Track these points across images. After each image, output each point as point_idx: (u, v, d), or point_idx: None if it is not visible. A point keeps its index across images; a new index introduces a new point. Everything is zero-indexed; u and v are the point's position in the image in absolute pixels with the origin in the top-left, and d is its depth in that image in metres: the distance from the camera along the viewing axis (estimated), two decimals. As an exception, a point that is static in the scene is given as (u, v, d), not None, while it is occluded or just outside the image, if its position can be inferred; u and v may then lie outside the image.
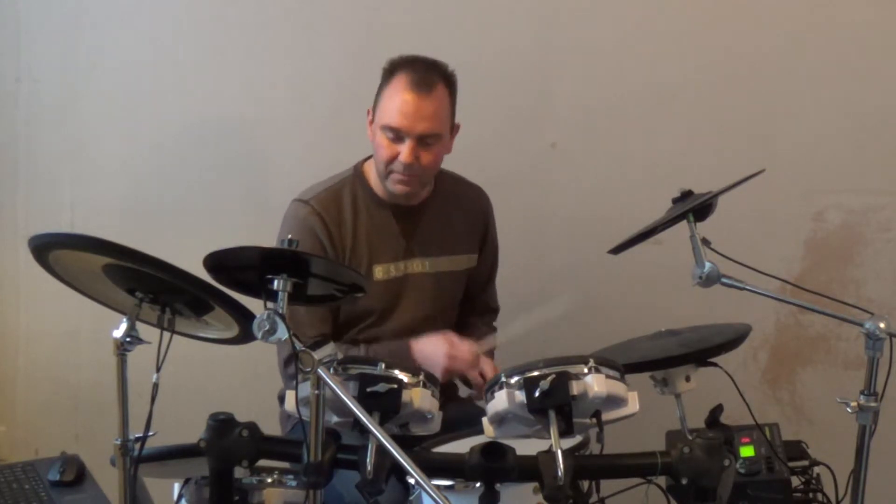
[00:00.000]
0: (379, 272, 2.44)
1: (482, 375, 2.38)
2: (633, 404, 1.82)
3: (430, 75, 2.34)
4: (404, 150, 2.31)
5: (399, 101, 2.31)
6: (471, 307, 2.66)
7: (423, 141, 2.32)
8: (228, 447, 1.76)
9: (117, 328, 1.77)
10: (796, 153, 2.99)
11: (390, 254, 2.46)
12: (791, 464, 2.33)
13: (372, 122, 2.40)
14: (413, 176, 2.36)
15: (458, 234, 2.56)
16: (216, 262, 1.72)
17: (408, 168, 2.33)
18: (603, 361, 1.78)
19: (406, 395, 1.77)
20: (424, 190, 2.49)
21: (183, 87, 2.99)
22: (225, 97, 3.01)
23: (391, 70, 2.37)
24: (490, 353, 2.56)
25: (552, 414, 1.71)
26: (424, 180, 2.42)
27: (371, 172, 2.47)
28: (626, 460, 1.82)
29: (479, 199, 2.64)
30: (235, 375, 2.96)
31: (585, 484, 1.89)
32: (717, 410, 2.25)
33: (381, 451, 1.68)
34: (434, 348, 2.33)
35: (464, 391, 2.52)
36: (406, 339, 2.38)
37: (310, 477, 1.70)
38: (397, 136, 2.32)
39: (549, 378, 1.71)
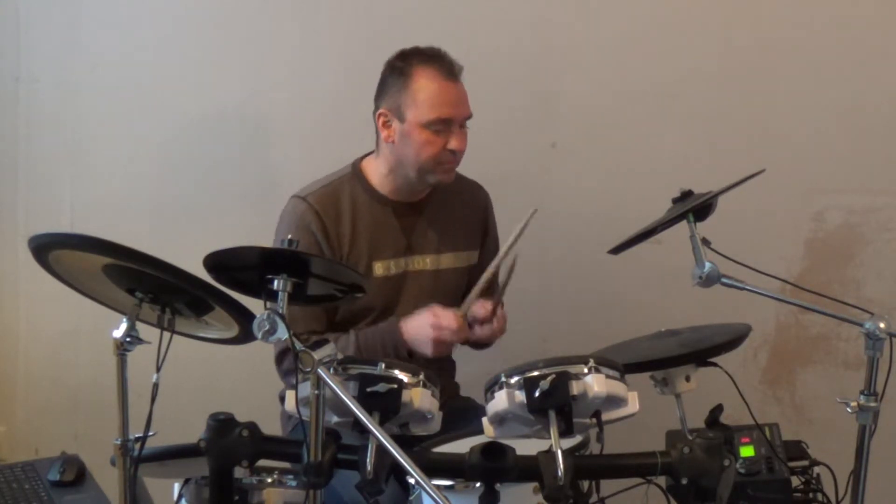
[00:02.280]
0: (379, 268, 2.45)
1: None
2: (633, 404, 1.82)
3: (450, 61, 2.38)
4: (455, 137, 2.36)
5: (441, 93, 2.34)
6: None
7: (462, 124, 2.38)
8: (228, 447, 1.76)
9: (117, 328, 1.77)
10: (796, 153, 2.99)
11: (391, 250, 2.46)
12: (791, 464, 2.33)
13: (389, 123, 2.38)
14: (457, 161, 2.41)
15: (459, 231, 2.56)
16: (216, 262, 1.72)
17: (459, 154, 2.38)
18: (603, 361, 1.78)
19: (406, 395, 1.77)
20: (426, 188, 2.50)
21: (183, 86, 3.00)
22: (225, 97, 3.01)
23: (405, 66, 2.37)
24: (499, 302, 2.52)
25: (552, 414, 1.71)
26: (459, 163, 2.44)
27: (371, 170, 2.48)
28: (626, 460, 1.82)
29: (479, 195, 2.65)
30: (235, 375, 2.96)
31: (585, 484, 1.89)
32: (717, 410, 2.25)
33: (381, 451, 1.68)
34: (419, 321, 2.34)
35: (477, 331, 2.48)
36: (395, 318, 2.39)
37: (310, 477, 1.69)
38: (446, 126, 2.34)
39: (549, 378, 1.71)
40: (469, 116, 2.39)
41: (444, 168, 2.39)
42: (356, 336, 2.39)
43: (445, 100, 2.34)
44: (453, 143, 2.35)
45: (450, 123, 2.35)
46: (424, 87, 2.34)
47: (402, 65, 2.38)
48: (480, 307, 2.40)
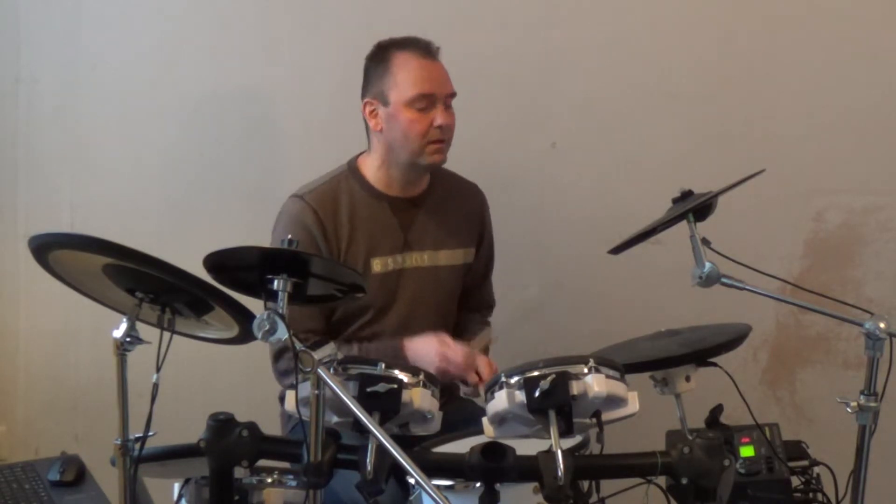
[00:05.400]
0: (377, 265, 2.45)
1: (478, 374, 2.38)
2: (633, 404, 1.82)
3: (430, 46, 2.41)
4: (439, 112, 2.36)
5: (421, 70, 2.37)
6: (467, 303, 2.66)
7: (447, 102, 2.39)
8: (228, 447, 1.76)
9: (117, 328, 1.77)
10: (796, 153, 2.99)
11: (388, 247, 2.47)
12: (791, 464, 2.33)
13: (375, 111, 2.41)
14: (446, 141, 2.40)
15: (456, 229, 2.57)
16: (216, 262, 1.72)
17: (446, 130, 2.38)
18: (603, 361, 1.78)
19: (406, 395, 1.77)
20: (422, 181, 2.52)
21: (183, 86, 3.00)
22: (225, 96, 3.01)
23: (383, 54, 2.42)
24: (485, 350, 2.57)
25: (552, 414, 1.71)
26: (450, 145, 2.44)
27: (366, 166, 2.49)
28: (626, 460, 1.82)
29: (476, 196, 2.65)
30: (235, 375, 2.96)
31: (585, 484, 1.89)
32: (717, 410, 2.26)
33: (381, 451, 1.68)
34: (427, 348, 2.34)
35: (462, 390, 2.52)
36: (400, 337, 2.39)
37: (310, 477, 1.69)
38: (430, 102, 2.36)
39: (549, 378, 1.71)
40: (452, 94, 2.40)
41: (433, 147, 2.39)
42: (359, 350, 2.40)
43: (425, 76, 2.37)
44: (439, 119, 2.36)
45: (433, 99, 2.36)
46: (404, 67, 2.37)
47: (381, 53, 2.43)
48: (487, 369, 2.39)
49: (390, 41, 2.43)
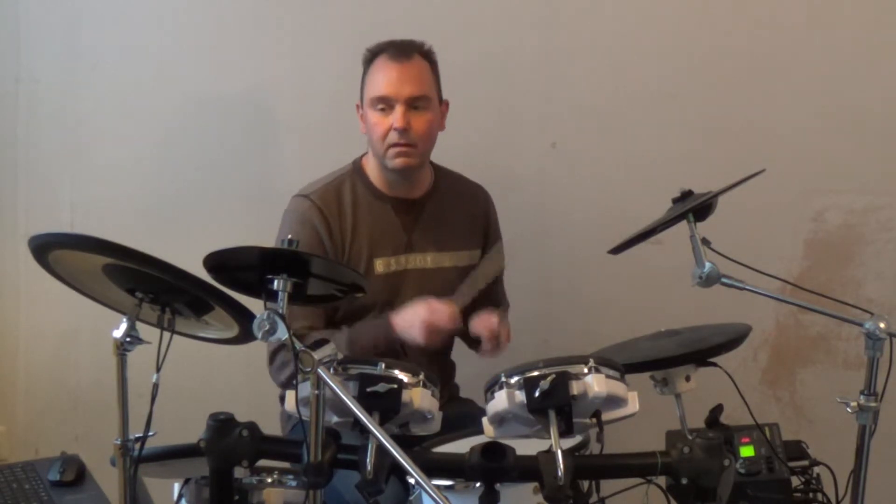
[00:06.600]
0: (379, 266, 2.46)
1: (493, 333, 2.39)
2: (633, 404, 1.82)
3: (406, 48, 2.43)
4: (396, 115, 2.37)
5: (382, 73, 2.40)
6: (480, 307, 2.64)
7: (411, 105, 2.38)
8: (228, 447, 1.76)
9: (117, 328, 1.78)
10: (796, 153, 2.99)
11: (391, 247, 2.47)
12: (791, 464, 2.33)
13: (361, 113, 2.47)
14: (410, 145, 2.39)
15: (460, 230, 2.57)
16: (216, 262, 1.72)
17: (403, 134, 2.37)
18: (603, 361, 1.78)
19: (406, 395, 1.77)
20: (424, 182, 2.52)
21: (183, 86, 3.00)
22: (225, 96, 3.01)
23: (370, 57, 2.45)
24: (504, 317, 2.55)
25: (552, 414, 1.71)
26: (422, 151, 2.44)
27: (370, 167, 2.50)
28: (626, 460, 1.82)
29: (480, 197, 2.65)
30: (235, 375, 2.96)
31: (585, 484, 1.89)
32: (717, 410, 2.25)
33: (381, 451, 1.68)
34: (412, 313, 2.34)
35: (482, 348, 2.49)
36: (387, 313, 2.39)
37: (310, 477, 1.69)
38: (387, 104, 2.38)
39: (549, 378, 1.71)
40: (414, 96, 2.39)
41: (394, 151, 2.40)
42: (348, 332, 2.39)
43: (385, 78, 2.39)
44: (396, 122, 2.37)
45: (390, 101, 2.38)
46: (373, 70, 2.43)
47: (367, 56, 2.47)
48: (483, 327, 2.40)
49: (377, 45, 2.46)
